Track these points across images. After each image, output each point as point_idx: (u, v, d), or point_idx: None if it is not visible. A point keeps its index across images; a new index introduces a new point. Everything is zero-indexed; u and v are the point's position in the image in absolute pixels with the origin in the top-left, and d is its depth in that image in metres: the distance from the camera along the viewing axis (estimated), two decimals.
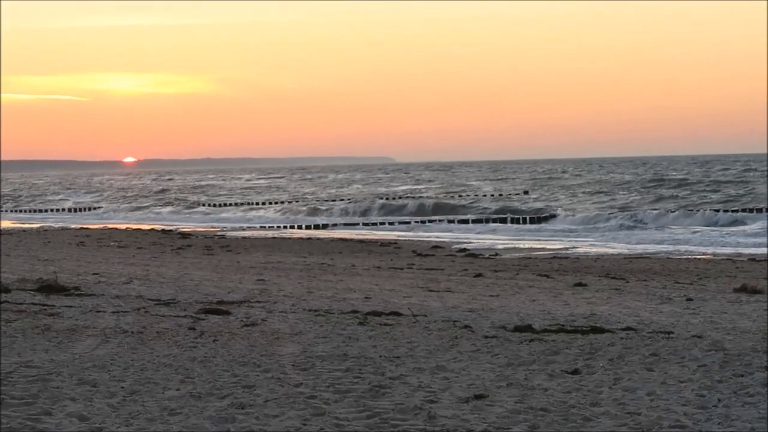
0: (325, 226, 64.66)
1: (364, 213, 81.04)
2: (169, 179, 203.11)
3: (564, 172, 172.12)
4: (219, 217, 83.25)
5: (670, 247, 43.90)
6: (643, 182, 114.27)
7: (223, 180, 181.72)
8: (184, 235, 52.29)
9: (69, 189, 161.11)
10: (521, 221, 65.57)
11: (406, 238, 52.47)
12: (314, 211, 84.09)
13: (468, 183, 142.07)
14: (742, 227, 56.45)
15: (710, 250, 42.16)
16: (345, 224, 67.36)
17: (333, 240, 49.76)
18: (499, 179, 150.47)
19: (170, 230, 58.61)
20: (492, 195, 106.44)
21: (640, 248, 43.74)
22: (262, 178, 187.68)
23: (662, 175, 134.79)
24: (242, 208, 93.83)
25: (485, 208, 79.75)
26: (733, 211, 65.68)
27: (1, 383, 11.55)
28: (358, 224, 67.09)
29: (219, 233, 57.52)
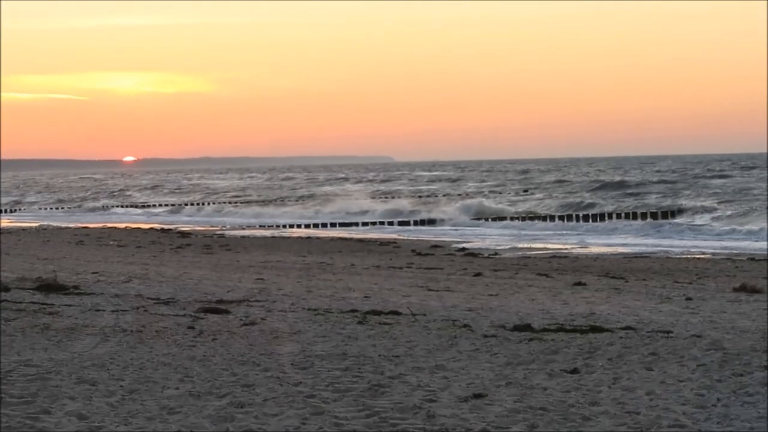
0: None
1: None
2: (152, 178, 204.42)
3: (544, 171, 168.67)
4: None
5: (666, 248, 43.93)
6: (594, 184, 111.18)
7: (200, 180, 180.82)
8: (184, 234, 52.31)
9: (30, 188, 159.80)
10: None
11: (406, 238, 52.51)
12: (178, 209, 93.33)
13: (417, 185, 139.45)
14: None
15: (708, 249, 42.19)
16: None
17: (332, 239, 49.75)
18: (461, 180, 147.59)
19: (169, 229, 58.64)
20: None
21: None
22: (241, 179, 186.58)
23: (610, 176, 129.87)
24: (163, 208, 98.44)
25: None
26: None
27: (0, 382, 11.55)
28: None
29: (218, 232, 57.54)
